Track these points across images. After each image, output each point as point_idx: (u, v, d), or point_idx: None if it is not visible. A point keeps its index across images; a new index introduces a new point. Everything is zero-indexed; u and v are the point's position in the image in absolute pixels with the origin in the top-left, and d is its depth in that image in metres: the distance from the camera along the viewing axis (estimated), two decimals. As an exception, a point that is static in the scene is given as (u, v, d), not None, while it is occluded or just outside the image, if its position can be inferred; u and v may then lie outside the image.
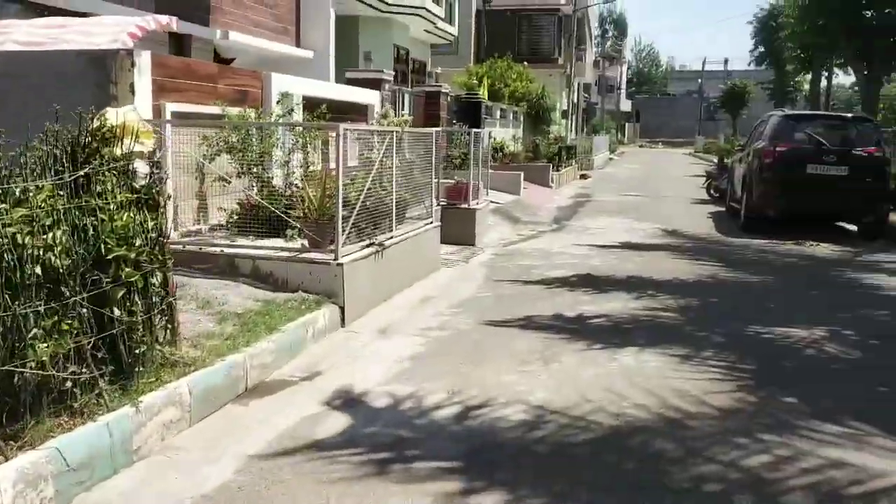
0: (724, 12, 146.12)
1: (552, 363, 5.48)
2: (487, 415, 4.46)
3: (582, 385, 4.99)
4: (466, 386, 4.93)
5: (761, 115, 15.53)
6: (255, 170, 7.30)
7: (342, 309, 6.34)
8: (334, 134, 6.54)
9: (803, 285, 8.80)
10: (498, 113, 24.12)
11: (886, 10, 16.39)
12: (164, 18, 8.02)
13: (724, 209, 16.57)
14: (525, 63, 29.19)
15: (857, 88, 33.38)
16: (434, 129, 10.09)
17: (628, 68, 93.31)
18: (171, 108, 7.08)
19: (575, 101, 48.50)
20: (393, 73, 16.87)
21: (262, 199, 7.09)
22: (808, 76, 24.31)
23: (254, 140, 7.38)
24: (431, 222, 8.97)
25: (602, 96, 58.09)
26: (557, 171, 23.04)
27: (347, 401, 4.70)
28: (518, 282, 8.54)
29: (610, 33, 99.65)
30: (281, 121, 8.07)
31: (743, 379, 5.21)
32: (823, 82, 23.98)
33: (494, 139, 22.48)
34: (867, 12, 17.74)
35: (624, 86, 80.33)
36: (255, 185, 7.38)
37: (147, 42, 9.33)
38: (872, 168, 12.04)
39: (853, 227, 13.36)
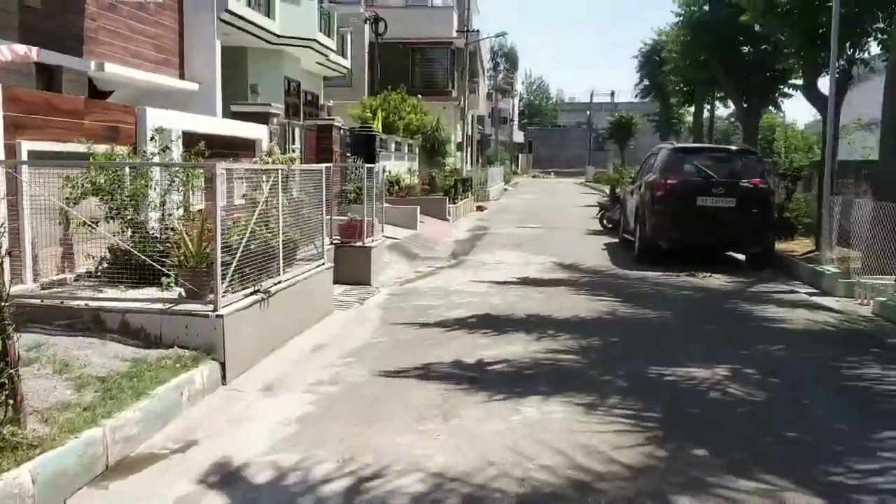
0: (611, 47, 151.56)
1: (452, 419, 5.12)
2: (381, 487, 4.03)
3: (484, 445, 4.64)
4: (359, 452, 4.50)
5: (651, 148, 15.81)
6: (125, 213, 6.69)
7: (223, 365, 5.80)
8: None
9: (700, 319, 8.79)
10: (393, 146, 23.85)
11: (762, 47, 17.01)
12: (21, 48, 7.32)
13: (617, 240, 16.74)
14: (419, 96, 29.10)
15: (733, 119, 34.91)
16: (325, 164, 9.66)
17: (520, 100, 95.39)
18: (27, 146, 6.41)
19: (469, 133, 48.92)
20: (283, 106, 16.36)
21: (135, 244, 6.48)
22: (692, 108, 25.07)
23: (125, 180, 6.78)
24: (323, 263, 8.51)
25: (495, 128, 58.89)
26: (454, 203, 22.92)
27: (225, 476, 4.19)
28: (415, 324, 8.18)
29: (501, 66, 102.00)
30: (155, 159, 7.46)
31: (651, 429, 4.98)
32: (706, 114, 24.86)
33: (390, 172, 22.19)
34: (744, 48, 18.40)
35: (516, 118, 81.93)
36: (126, 229, 6.75)
37: (8, 74, 8.58)
38: (758, 199, 12.33)
39: (742, 257, 13.69)
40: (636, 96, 32.17)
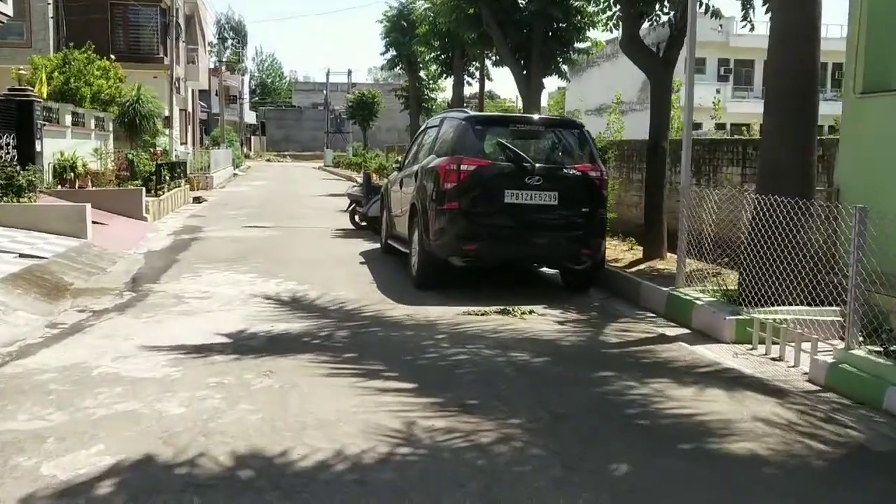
0: (347, 21, 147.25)
1: None
2: None
3: None
4: None
5: (415, 123, 11.60)
6: None
7: None
8: None
9: (582, 445, 4.54)
10: (68, 118, 17.65)
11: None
12: None
13: (378, 245, 12.41)
14: (112, 57, 22.75)
15: (514, 100, 32.07)
16: None
17: (251, 79, 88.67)
18: None
19: (190, 110, 42.35)
20: None
21: None
22: (450, 80, 21.40)
23: None
24: None
25: (222, 106, 52.41)
26: (157, 195, 17.30)
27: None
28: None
29: (230, 41, 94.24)
30: None
31: None
32: (470, 89, 21.38)
33: (61, 155, 16.17)
34: (521, 1, 14.81)
35: (247, 96, 75.41)
36: None
37: None
38: (588, 192, 8.53)
39: (550, 271, 9.95)
40: (382, 68, 28.05)
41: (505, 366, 5.92)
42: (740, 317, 6.98)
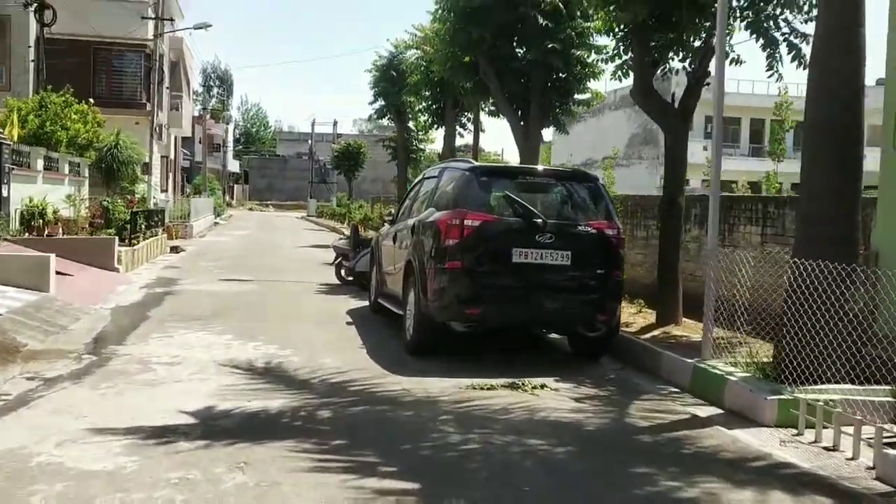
0: (330, 75, 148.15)
1: None
2: None
3: None
4: None
5: (410, 174, 10.88)
6: None
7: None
8: None
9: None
10: (40, 162, 16.78)
11: (550, 45, 12.89)
12: None
13: (367, 303, 11.54)
14: (90, 101, 21.97)
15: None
16: None
17: (235, 127, 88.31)
18: None
19: (173, 157, 41.58)
20: None
21: None
22: (441, 131, 20.80)
23: None
24: None
25: (205, 154, 51.69)
26: (131, 245, 16.38)
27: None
28: None
29: (216, 90, 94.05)
30: None
31: None
32: (461, 140, 20.74)
33: (30, 200, 15.28)
34: (520, 50, 14.25)
35: (231, 145, 74.88)
36: None
37: None
38: (604, 252, 7.73)
39: (556, 336, 9.11)
40: (371, 117, 27.46)
41: (523, 457, 5.02)
42: (783, 397, 6.15)
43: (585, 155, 44.83)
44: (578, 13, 13.75)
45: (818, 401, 5.89)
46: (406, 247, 8.66)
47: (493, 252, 7.47)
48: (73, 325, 9.33)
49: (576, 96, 14.70)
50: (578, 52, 13.84)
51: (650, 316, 9.74)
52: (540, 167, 9.12)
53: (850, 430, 5.52)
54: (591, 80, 14.42)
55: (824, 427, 5.78)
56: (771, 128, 18.45)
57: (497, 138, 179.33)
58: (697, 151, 30.41)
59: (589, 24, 13.82)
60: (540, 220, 7.47)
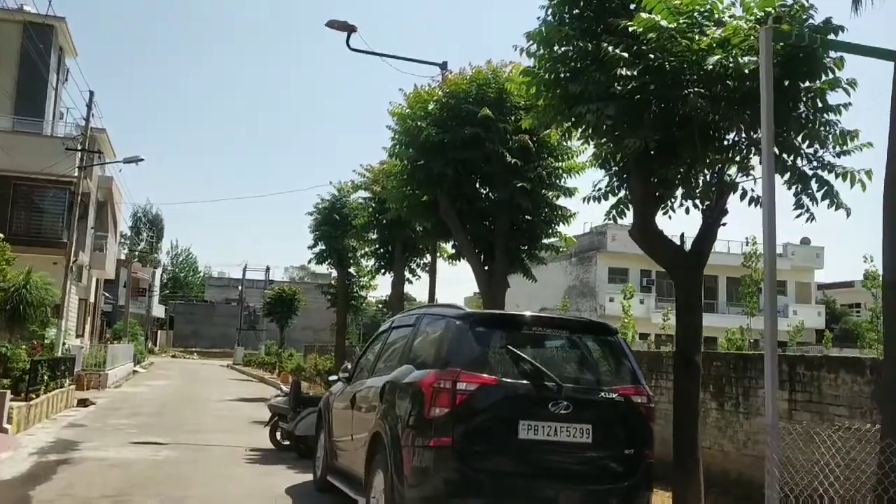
0: (265, 217, 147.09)
1: None
2: None
3: None
4: None
5: (395, 317, 9.36)
6: None
7: None
8: None
9: None
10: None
11: (519, 185, 11.76)
12: None
13: (310, 477, 9.51)
14: (1, 236, 19.87)
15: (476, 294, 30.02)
16: None
17: (164, 272, 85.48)
18: None
19: (93, 299, 38.94)
20: None
21: None
22: (387, 275, 19.27)
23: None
24: None
25: (128, 298, 49.00)
26: (28, 399, 13.98)
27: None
28: None
29: (145, 233, 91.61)
30: None
31: None
32: (413, 285, 19.20)
33: None
34: (483, 190, 13.08)
35: (158, 290, 72.01)
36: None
37: None
38: (633, 427, 6.06)
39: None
40: (311, 262, 25.73)
41: None
42: None
43: (523, 306, 43.86)
44: (546, 154, 12.71)
45: None
46: (371, 413, 6.84)
47: (493, 425, 5.73)
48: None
49: (543, 240, 13.43)
50: (551, 193, 12.71)
51: (666, 499, 7.98)
52: (553, 316, 7.47)
53: None
54: (561, 223, 13.25)
55: None
56: (742, 281, 17.37)
57: (449, 283, 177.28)
58: (634, 304, 29.46)
59: (559, 164, 12.81)
60: (553, 384, 5.78)
